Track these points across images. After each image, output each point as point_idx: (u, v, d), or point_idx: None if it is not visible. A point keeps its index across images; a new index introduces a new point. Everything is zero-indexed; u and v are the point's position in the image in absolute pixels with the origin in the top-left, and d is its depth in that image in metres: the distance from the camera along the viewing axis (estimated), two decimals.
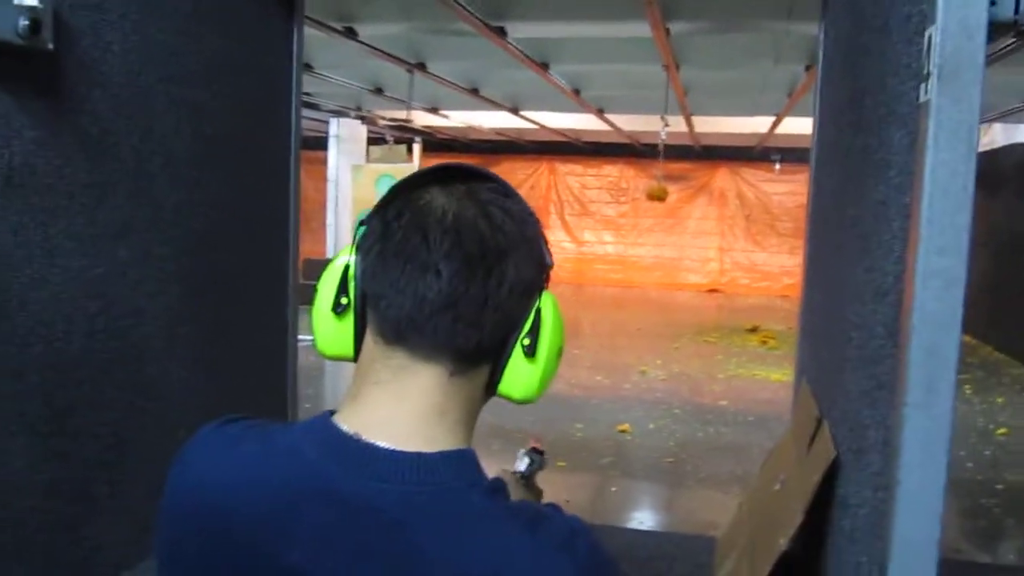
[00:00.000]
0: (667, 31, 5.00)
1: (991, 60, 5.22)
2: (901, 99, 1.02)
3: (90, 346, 1.46)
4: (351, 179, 12.07)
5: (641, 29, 4.90)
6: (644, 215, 15.37)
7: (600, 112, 9.70)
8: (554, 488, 1.49)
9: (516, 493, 1.25)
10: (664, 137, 8.48)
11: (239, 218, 1.85)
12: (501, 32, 5.16)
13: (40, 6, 1.25)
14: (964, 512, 4.77)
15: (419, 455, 0.78)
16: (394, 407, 0.80)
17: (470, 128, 12.23)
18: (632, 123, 10.88)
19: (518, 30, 5.33)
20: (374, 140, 13.53)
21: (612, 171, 15.60)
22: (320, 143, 12.73)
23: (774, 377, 7.99)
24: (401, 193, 0.82)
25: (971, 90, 0.87)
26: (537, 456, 1.36)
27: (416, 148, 13.00)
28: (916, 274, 0.88)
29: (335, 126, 12.67)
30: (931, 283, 0.88)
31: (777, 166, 14.05)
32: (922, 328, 0.88)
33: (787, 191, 14.47)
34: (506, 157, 15.39)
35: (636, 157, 14.69)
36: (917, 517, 0.91)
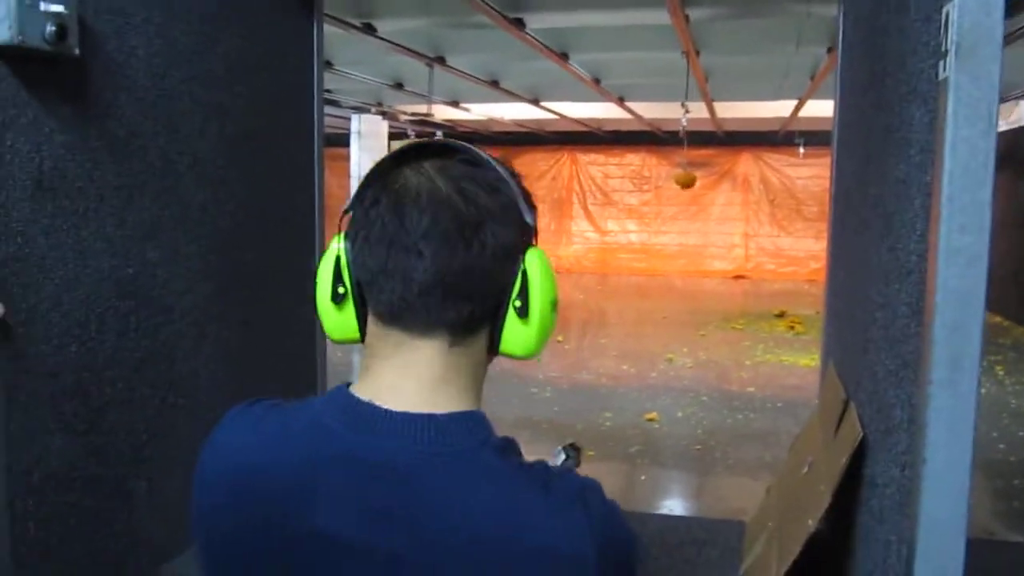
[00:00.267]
0: (686, 18, 4.97)
1: (1013, 37, 5.15)
2: (920, 77, 1.02)
3: (122, 345, 1.48)
4: None
5: (660, 16, 4.88)
6: (668, 203, 15.30)
7: (621, 100, 9.66)
8: None
9: None
10: (685, 124, 8.43)
11: (265, 216, 1.87)
12: (520, 24, 5.16)
13: (66, 12, 1.27)
14: (996, 493, 4.72)
15: (430, 416, 0.81)
16: (400, 376, 0.83)
17: (491, 121, 12.22)
18: (653, 111, 10.82)
19: (536, 21, 5.32)
20: (396, 135, 13.57)
21: (634, 159, 15.54)
22: (342, 140, 12.78)
23: (802, 363, 7.94)
24: (376, 179, 0.85)
25: (990, 66, 0.86)
26: (573, 452, 1.38)
27: None
28: (938, 252, 0.88)
29: (357, 122, 12.71)
30: (954, 260, 0.88)
31: (801, 150, 13.92)
32: (945, 306, 0.89)
33: (812, 175, 14.34)
34: (528, 148, 15.37)
35: (658, 145, 14.61)
36: (944, 494, 0.92)
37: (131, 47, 1.46)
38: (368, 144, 12.85)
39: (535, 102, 9.79)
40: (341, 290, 0.87)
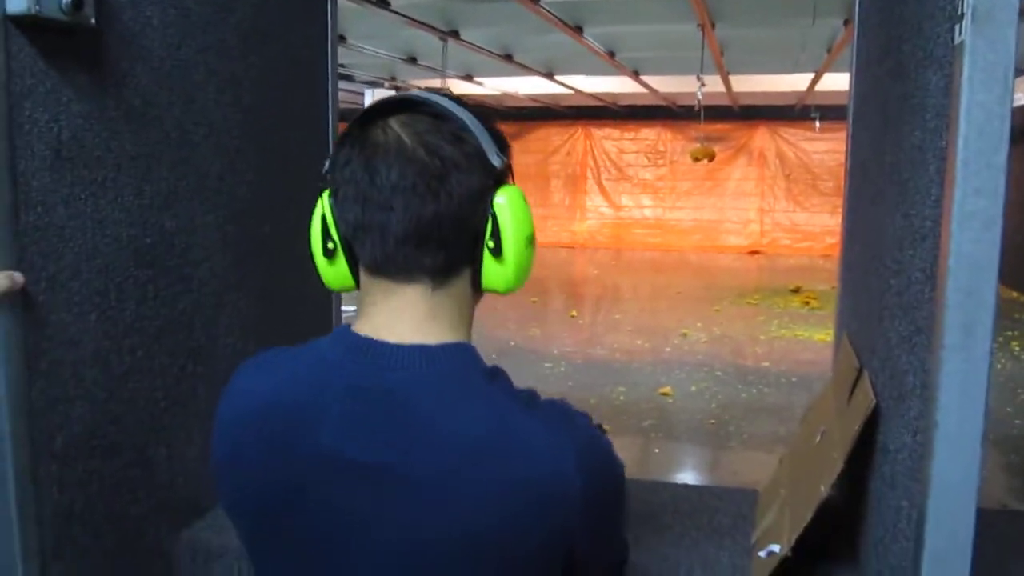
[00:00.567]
0: None
1: None
2: (937, 42, 1.02)
3: (142, 314, 1.50)
4: None
5: None
6: (683, 178, 15.23)
7: (636, 74, 9.60)
8: None
9: None
10: (701, 98, 8.38)
11: (281, 186, 1.88)
12: None
13: None
14: (1011, 468, 4.72)
15: (422, 346, 0.88)
16: (391, 317, 0.90)
17: (505, 95, 12.17)
18: (668, 84, 10.75)
19: None
20: None
21: (649, 134, 15.45)
22: (356, 114, 12.77)
23: (817, 337, 7.93)
24: (347, 138, 0.91)
25: (1006, 30, 0.86)
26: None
27: None
28: (953, 216, 0.88)
29: (370, 97, 12.70)
30: (968, 224, 0.88)
31: (817, 124, 13.80)
32: (959, 270, 0.89)
33: (828, 149, 14.23)
34: (542, 123, 15.31)
35: (673, 119, 14.52)
36: (955, 459, 0.92)
37: (146, 17, 1.46)
38: None
39: (549, 76, 9.75)
40: (331, 245, 0.93)
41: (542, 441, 0.84)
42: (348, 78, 10.26)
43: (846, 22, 5.82)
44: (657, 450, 5.12)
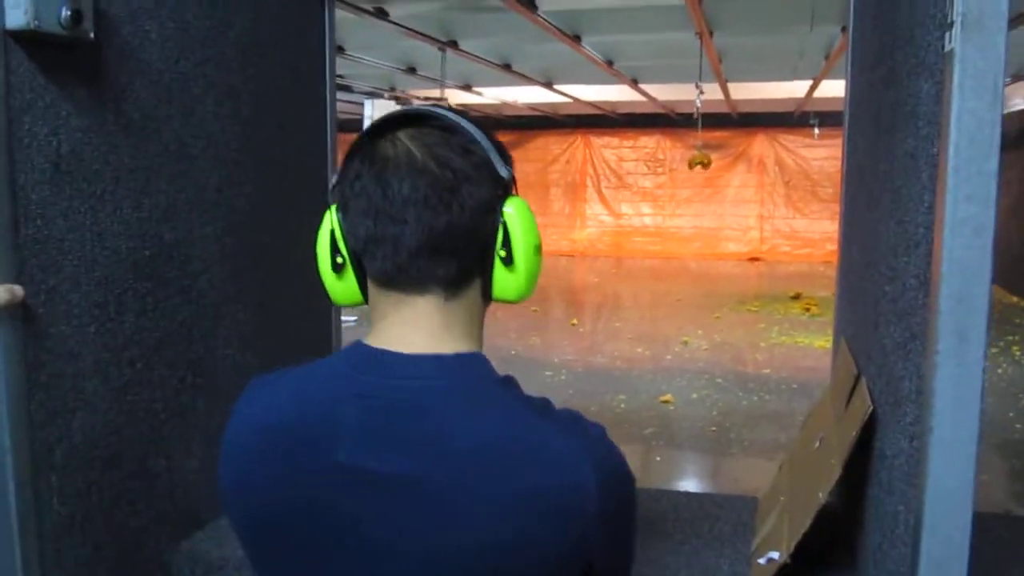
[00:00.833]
0: None
1: None
2: (928, 49, 1.03)
3: (141, 326, 1.51)
4: None
5: None
6: (682, 186, 15.23)
7: (634, 83, 9.61)
8: None
9: None
10: (699, 105, 8.39)
11: (280, 199, 1.89)
12: (532, 6, 5.15)
13: None
14: (1013, 473, 4.71)
15: (436, 356, 0.89)
16: (404, 328, 0.90)
17: (504, 104, 12.19)
18: (667, 92, 10.77)
19: (548, 3, 5.31)
20: None
21: (648, 142, 15.47)
22: (355, 125, 12.79)
23: (817, 344, 7.92)
24: (356, 152, 0.90)
25: (996, 38, 0.87)
26: None
27: None
28: (944, 222, 0.89)
29: (369, 107, 12.70)
30: (960, 231, 0.88)
31: (816, 131, 13.81)
32: (951, 276, 0.89)
33: (827, 156, 14.23)
34: (541, 132, 15.33)
35: (672, 127, 14.53)
36: (951, 464, 0.93)
37: (145, 31, 1.47)
38: None
39: (548, 85, 9.77)
40: (339, 260, 0.93)
41: (559, 451, 0.83)
42: (347, 89, 10.28)
43: (844, 29, 5.84)
44: (658, 458, 5.12)
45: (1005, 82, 0.89)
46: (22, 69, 1.25)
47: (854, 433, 1.32)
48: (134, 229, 1.48)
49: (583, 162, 15.88)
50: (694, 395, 6.31)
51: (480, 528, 0.82)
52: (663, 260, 14.90)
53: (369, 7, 5.22)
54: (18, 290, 1.25)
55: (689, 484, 4.86)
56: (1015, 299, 9.90)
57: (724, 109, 12.28)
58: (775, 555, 1.41)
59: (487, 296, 0.94)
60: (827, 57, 7.30)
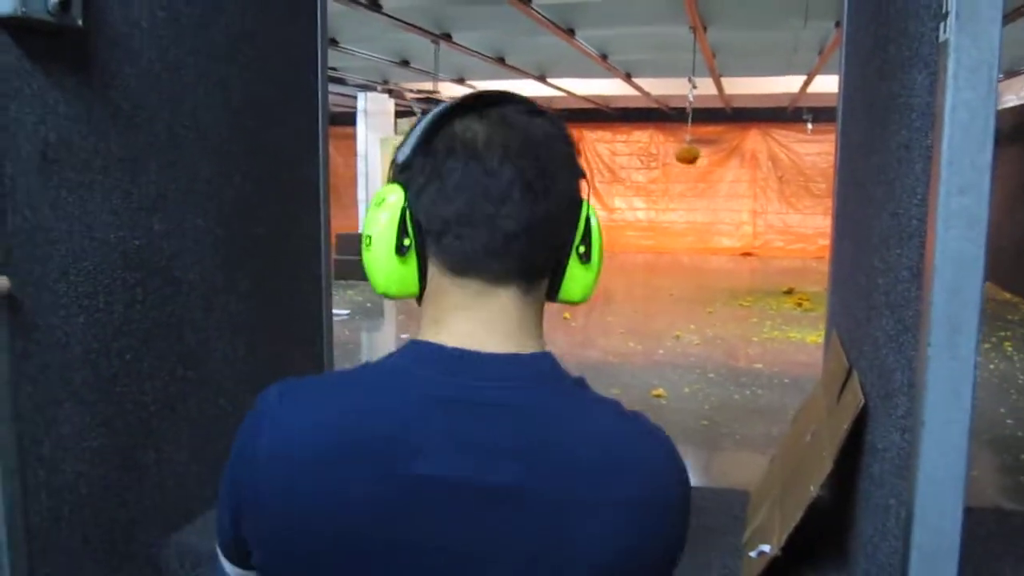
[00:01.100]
0: None
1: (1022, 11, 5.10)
2: (922, 40, 1.02)
3: (130, 316, 1.50)
4: (380, 153, 12.10)
5: None
6: (675, 180, 15.24)
7: (628, 77, 9.61)
8: None
9: None
10: (692, 100, 8.39)
11: (271, 190, 1.88)
12: None
13: None
14: (1004, 469, 4.73)
15: (516, 356, 0.83)
16: (480, 324, 0.83)
17: None
18: (661, 87, 10.76)
19: None
20: (402, 113, 13.53)
21: (642, 137, 15.46)
22: (348, 118, 12.76)
23: (810, 339, 7.93)
24: (439, 129, 0.83)
25: (990, 28, 0.86)
26: None
27: None
28: (938, 214, 0.88)
29: (363, 100, 12.68)
30: (953, 223, 0.88)
31: (809, 126, 13.83)
32: (944, 268, 0.89)
33: (820, 151, 14.25)
34: None
35: (666, 122, 14.53)
36: (942, 457, 0.92)
37: (134, 19, 1.46)
38: (374, 122, 12.82)
39: (542, 79, 9.75)
40: (407, 242, 0.84)
41: (648, 453, 0.81)
42: (340, 81, 10.25)
43: (837, 24, 5.84)
44: None
45: (998, 77, 0.88)
46: (9, 56, 1.23)
47: (845, 426, 1.32)
48: (123, 219, 1.47)
49: None
50: (686, 389, 6.31)
51: (588, 539, 0.78)
52: (656, 254, 14.91)
53: None
54: (3, 281, 1.24)
55: None
56: (1008, 295, 9.93)
57: (718, 104, 12.28)
58: (766, 548, 1.41)
59: (552, 295, 0.90)
60: (821, 52, 7.30)
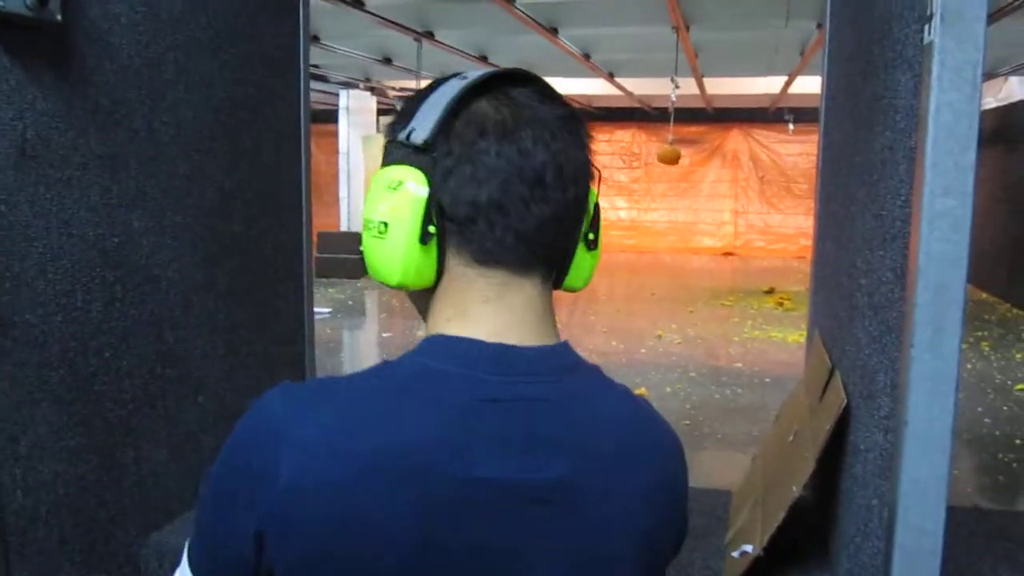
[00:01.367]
0: None
1: (1006, 10, 5.15)
2: (906, 42, 1.02)
3: (109, 314, 1.48)
4: (362, 150, 12.07)
5: None
6: (657, 180, 15.29)
7: (610, 76, 9.63)
8: None
9: None
10: (674, 99, 8.42)
11: (252, 187, 1.86)
12: None
13: None
14: (982, 468, 4.77)
15: (547, 348, 0.81)
16: (507, 317, 0.80)
17: None
18: (643, 87, 10.80)
19: None
20: (384, 111, 13.50)
21: (624, 136, 15.50)
22: (330, 116, 12.72)
23: (791, 339, 7.98)
24: (460, 111, 0.78)
25: (975, 29, 0.86)
26: None
27: None
28: (922, 216, 0.89)
29: (345, 98, 12.65)
30: (937, 224, 0.88)
31: (791, 127, 13.92)
32: (928, 269, 0.89)
33: (801, 152, 14.35)
34: None
35: (648, 121, 14.59)
36: (925, 457, 0.93)
37: (114, 14, 1.44)
38: (356, 120, 12.78)
39: None
40: (432, 230, 0.78)
41: (661, 437, 0.84)
42: (322, 79, 10.21)
43: (819, 25, 5.87)
44: None
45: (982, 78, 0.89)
46: None
47: (828, 426, 1.32)
48: (102, 216, 1.45)
49: None
50: (668, 389, 6.33)
51: (628, 528, 0.79)
52: (638, 254, 14.95)
53: None
54: None
55: None
56: (985, 296, 10.03)
57: (699, 104, 12.33)
58: (748, 548, 1.41)
59: (558, 282, 0.87)
60: (802, 53, 7.35)
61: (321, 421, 0.73)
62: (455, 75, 0.82)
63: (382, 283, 0.81)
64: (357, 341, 8.44)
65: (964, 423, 5.37)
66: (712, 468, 4.89)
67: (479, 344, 0.78)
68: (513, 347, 0.78)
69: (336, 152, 12.88)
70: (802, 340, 7.64)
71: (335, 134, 12.79)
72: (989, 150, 9.52)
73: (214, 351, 1.76)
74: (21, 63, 1.27)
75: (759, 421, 5.37)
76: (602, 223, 0.88)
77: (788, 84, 9.49)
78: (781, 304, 9.95)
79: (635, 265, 13.74)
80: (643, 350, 7.66)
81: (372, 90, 12.22)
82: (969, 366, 6.83)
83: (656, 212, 15.55)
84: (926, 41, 0.90)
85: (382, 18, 5.82)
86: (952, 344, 0.90)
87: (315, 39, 6.92)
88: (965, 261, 0.89)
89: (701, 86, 9.94)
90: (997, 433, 5.29)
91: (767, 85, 10.31)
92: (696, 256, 14.84)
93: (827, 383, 1.50)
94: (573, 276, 0.86)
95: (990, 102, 9.86)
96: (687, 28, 6.23)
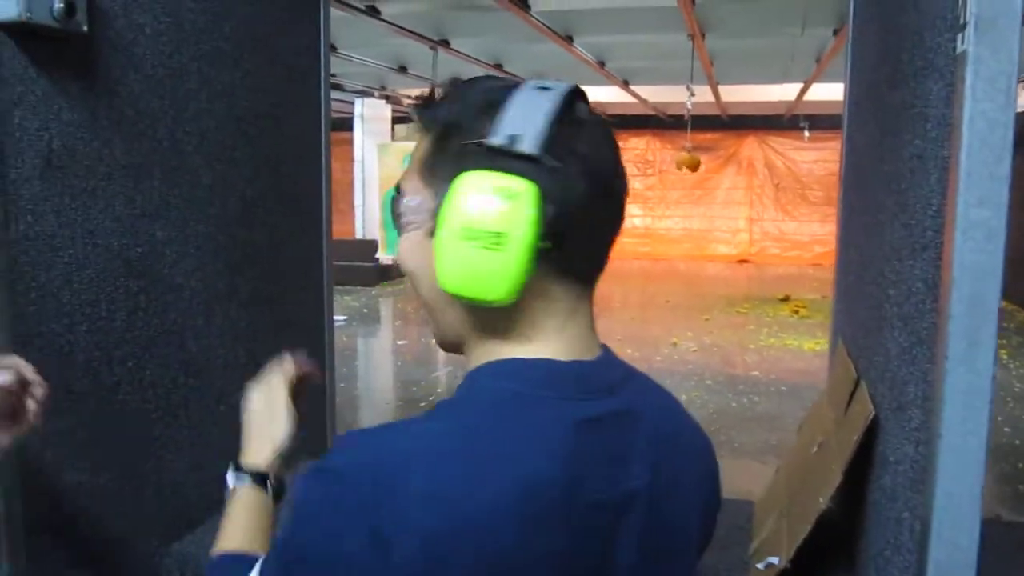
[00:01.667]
0: (692, 0, 4.95)
1: None
2: (938, 51, 1.01)
3: (132, 324, 1.48)
4: (377, 159, 12.10)
5: None
6: (672, 187, 15.26)
7: (625, 84, 9.62)
8: None
9: None
10: (690, 107, 8.40)
11: (273, 196, 1.87)
12: (524, 5, 5.14)
13: None
14: (1002, 477, 4.72)
15: (606, 358, 0.83)
16: (576, 332, 0.80)
17: None
18: (658, 94, 10.78)
19: (541, 3, 5.31)
20: (399, 119, 13.53)
21: (639, 143, 15.48)
22: (345, 124, 12.76)
23: (807, 346, 7.94)
24: (563, 121, 0.76)
25: (1009, 38, 0.86)
26: None
27: None
28: (956, 226, 0.87)
29: (360, 106, 12.68)
30: (971, 235, 0.87)
31: (806, 134, 13.87)
32: (962, 281, 0.88)
33: (816, 159, 14.30)
34: None
35: (663, 129, 14.56)
36: (959, 470, 0.91)
37: (139, 25, 1.45)
38: (371, 128, 12.82)
39: None
40: (544, 245, 0.74)
41: (698, 428, 0.88)
42: (338, 87, 10.24)
43: (835, 32, 5.85)
44: None
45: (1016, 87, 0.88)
46: (14, 62, 1.22)
47: (855, 438, 1.31)
48: (126, 226, 1.46)
49: None
50: (684, 397, 6.30)
51: (692, 516, 0.84)
52: (652, 261, 14.92)
53: (361, 5, 5.20)
54: None
55: None
56: (1003, 303, 9.95)
57: (714, 111, 12.31)
58: (774, 560, 1.40)
59: None
60: (818, 60, 7.32)
61: (436, 470, 0.69)
62: (493, 78, 0.82)
63: (467, 297, 0.75)
64: (372, 349, 8.45)
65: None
66: (730, 477, 4.84)
67: (558, 364, 0.77)
68: (585, 363, 0.79)
69: (351, 160, 12.92)
70: (818, 348, 7.59)
71: (350, 142, 12.82)
72: (1016, 156, 9.43)
73: (236, 360, 1.76)
74: (47, 74, 1.28)
75: (776, 430, 5.34)
76: None
77: (803, 91, 9.45)
78: (797, 312, 9.90)
79: (649, 272, 13.71)
80: (658, 358, 7.64)
81: (387, 98, 12.25)
82: None
83: (670, 219, 15.52)
84: (959, 50, 0.90)
85: (398, 26, 5.83)
86: (987, 357, 0.89)
87: (332, 48, 6.95)
88: (1000, 272, 0.88)
89: (716, 93, 9.92)
90: (1017, 442, 5.24)
91: (782, 92, 10.27)
92: (711, 263, 14.79)
93: (852, 394, 1.49)
94: None
95: (1018, 106, 9.77)
96: (703, 36, 6.22)
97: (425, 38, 6.44)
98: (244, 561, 0.86)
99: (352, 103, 12.51)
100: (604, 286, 0.83)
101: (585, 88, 0.82)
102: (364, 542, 0.67)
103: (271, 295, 1.88)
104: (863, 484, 1.38)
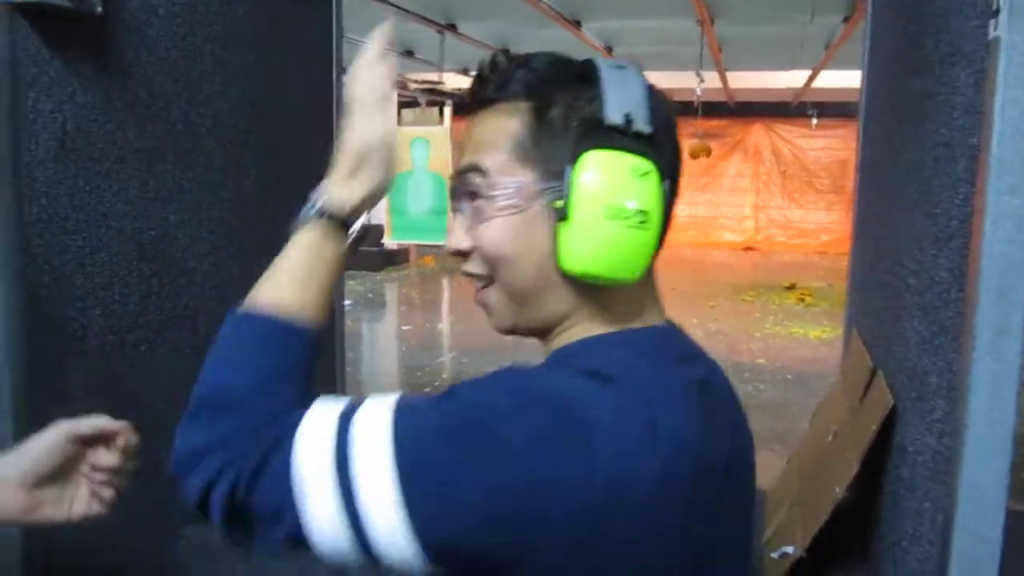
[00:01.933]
0: None
1: None
2: (966, 38, 1.00)
3: (145, 308, 1.48)
4: None
5: None
6: None
7: None
8: None
9: None
10: (699, 94, 8.35)
11: (287, 180, 1.85)
12: None
13: None
14: (1013, 468, 4.72)
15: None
16: (660, 301, 0.89)
17: None
18: (666, 80, 10.70)
19: None
20: (406, 104, 13.48)
21: None
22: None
23: (812, 334, 7.92)
24: (657, 104, 0.80)
25: None
26: None
27: (447, 111, 12.94)
28: (986, 215, 0.86)
29: None
30: (1002, 224, 0.86)
31: (814, 121, 13.80)
32: (991, 270, 0.87)
33: (824, 147, 14.23)
34: None
35: None
36: (985, 461, 0.91)
37: (152, 5, 1.44)
38: None
39: None
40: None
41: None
42: (344, 71, 10.20)
43: (846, 19, 5.81)
44: None
45: None
46: (27, 42, 1.21)
47: (873, 427, 1.30)
48: (139, 210, 1.45)
49: None
50: None
51: (753, 482, 0.86)
52: None
53: None
54: None
55: None
56: None
57: (722, 98, 12.25)
58: (789, 549, 1.40)
59: None
60: (827, 47, 7.27)
61: (616, 429, 0.69)
62: (552, 53, 0.83)
63: (602, 277, 0.76)
64: (377, 334, 8.45)
65: None
66: None
67: (662, 330, 0.84)
68: (676, 331, 0.86)
69: None
70: (824, 336, 7.57)
71: None
72: None
73: None
74: (61, 55, 1.27)
75: (782, 418, 5.33)
76: None
77: (812, 78, 9.40)
78: (803, 300, 9.88)
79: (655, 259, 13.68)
80: None
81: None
82: None
83: (676, 206, 15.47)
84: (991, 37, 0.88)
85: (405, 10, 5.80)
86: (1015, 347, 0.88)
87: None
88: None
89: (724, 80, 9.87)
90: None
91: (790, 79, 10.22)
92: (716, 250, 14.75)
93: (868, 383, 1.48)
94: None
95: None
96: (712, 22, 6.18)
97: (433, 22, 6.41)
98: (289, 330, 0.77)
99: None
100: None
101: None
102: (575, 453, 0.66)
103: None
104: (879, 474, 1.37)
